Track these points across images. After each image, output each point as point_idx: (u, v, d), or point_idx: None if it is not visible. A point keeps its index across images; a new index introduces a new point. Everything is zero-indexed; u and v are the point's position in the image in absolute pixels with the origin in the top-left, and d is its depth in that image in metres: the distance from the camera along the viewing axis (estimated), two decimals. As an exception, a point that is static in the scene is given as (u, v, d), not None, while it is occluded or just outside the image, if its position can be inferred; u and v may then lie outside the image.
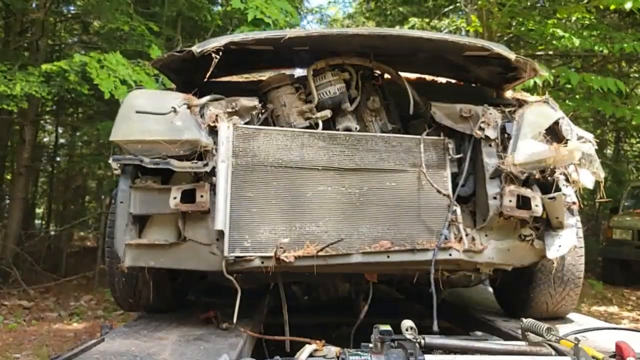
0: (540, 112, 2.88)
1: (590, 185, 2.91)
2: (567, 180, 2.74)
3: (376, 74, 3.16)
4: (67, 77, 5.86)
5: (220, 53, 2.71)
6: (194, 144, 2.58)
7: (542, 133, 2.79)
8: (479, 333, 2.49)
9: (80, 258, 10.43)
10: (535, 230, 2.79)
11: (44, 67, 6.00)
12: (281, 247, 2.58)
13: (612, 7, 7.00)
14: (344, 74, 3.03)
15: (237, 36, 2.86)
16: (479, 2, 8.31)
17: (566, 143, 2.73)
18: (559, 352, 2.18)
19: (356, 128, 2.99)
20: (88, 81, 5.84)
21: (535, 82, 5.69)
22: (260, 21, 6.30)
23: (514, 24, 8.54)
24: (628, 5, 6.34)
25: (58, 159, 13.15)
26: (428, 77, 3.74)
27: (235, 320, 2.66)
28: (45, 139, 13.16)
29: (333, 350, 2.22)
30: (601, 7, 7.45)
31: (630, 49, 6.99)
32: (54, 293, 7.29)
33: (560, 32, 7.14)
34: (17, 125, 9.09)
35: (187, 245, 2.65)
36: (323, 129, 2.90)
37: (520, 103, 3.01)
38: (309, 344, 2.23)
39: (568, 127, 2.86)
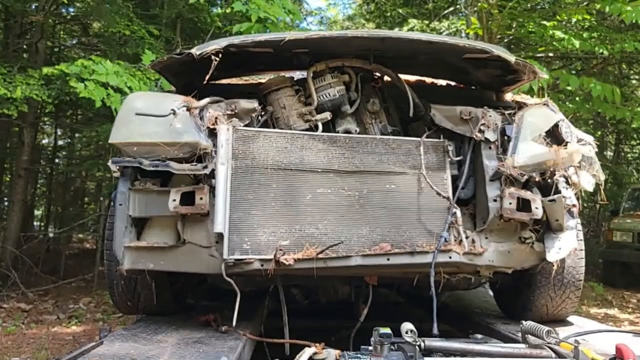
0: (540, 115, 2.87)
1: (590, 188, 2.91)
2: (567, 182, 2.73)
3: (376, 76, 3.16)
4: (67, 80, 5.85)
5: (220, 55, 2.71)
6: (193, 146, 2.58)
7: (542, 135, 2.78)
8: (478, 336, 2.49)
9: (79, 260, 10.42)
10: (536, 232, 2.79)
11: (44, 70, 6.00)
12: (281, 250, 2.58)
13: (613, 13, 7.02)
14: (344, 76, 3.03)
15: (237, 38, 2.86)
16: (479, 4, 8.32)
17: (566, 145, 2.73)
18: (559, 355, 2.18)
19: (356, 130, 2.99)
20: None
21: (533, 84, 5.70)
22: (263, 20, 6.30)
23: (514, 25, 8.55)
24: (626, 19, 6.34)
25: (57, 161, 13.15)
26: (428, 80, 3.73)
27: (234, 323, 2.65)
28: (44, 141, 13.16)
29: (333, 353, 2.22)
30: (602, 10, 7.46)
31: (632, 48, 7.00)
32: (52, 296, 7.28)
33: (560, 34, 7.15)
34: (16, 127, 9.09)
35: (187, 247, 2.65)
36: (323, 131, 2.89)
37: (520, 105, 3.01)
38: (309, 346, 2.23)
39: (568, 130, 2.85)
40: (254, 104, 2.83)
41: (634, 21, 6.33)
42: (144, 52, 6.41)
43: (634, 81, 12.67)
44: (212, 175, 2.61)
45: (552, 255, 2.73)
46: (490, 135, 2.83)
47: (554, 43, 7.38)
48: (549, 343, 2.21)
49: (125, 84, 5.67)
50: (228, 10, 6.54)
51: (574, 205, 2.73)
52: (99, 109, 5.85)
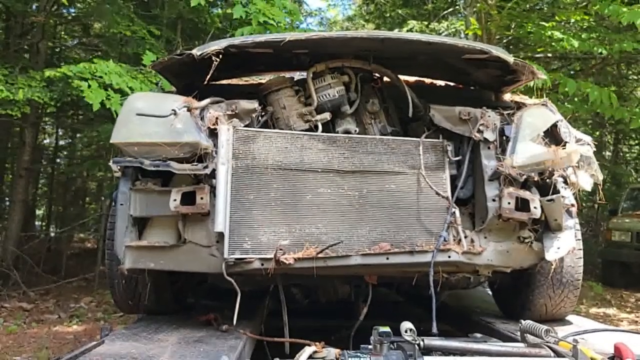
0: (538, 115, 2.89)
1: (589, 188, 2.92)
2: (565, 182, 2.75)
3: (375, 77, 3.17)
4: (70, 82, 5.85)
5: (220, 56, 2.72)
6: (194, 147, 2.59)
7: (540, 135, 2.79)
8: (478, 335, 2.50)
9: (80, 260, 10.42)
10: (534, 232, 2.80)
11: (46, 72, 6.01)
12: (281, 249, 2.59)
13: (611, 17, 7.03)
14: (344, 77, 3.04)
15: (237, 39, 2.87)
16: (478, 5, 8.33)
17: (565, 145, 2.74)
18: (558, 354, 2.19)
19: (355, 130, 3.00)
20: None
21: (534, 84, 5.72)
22: (264, 23, 6.31)
23: (512, 26, 8.56)
24: (624, 20, 6.36)
25: (58, 160, 13.16)
26: (427, 80, 3.74)
27: (235, 322, 2.67)
28: (45, 141, 13.17)
29: (332, 352, 2.23)
30: (600, 12, 7.47)
31: (630, 48, 7.01)
32: (54, 295, 7.28)
33: (558, 35, 7.16)
34: (17, 127, 9.10)
35: (187, 247, 2.66)
36: (322, 131, 2.91)
37: (519, 105, 3.02)
38: (309, 345, 2.24)
39: (566, 130, 2.86)
40: (254, 104, 2.84)
41: (631, 22, 6.33)
42: (144, 53, 6.42)
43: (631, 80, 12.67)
44: (213, 175, 2.63)
45: (551, 255, 2.74)
46: (489, 135, 2.84)
47: (553, 44, 7.39)
48: (547, 342, 2.23)
49: (127, 84, 5.67)
50: (229, 11, 6.55)
51: (572, 205, 2.74)
52: (100, 109, 5.84)
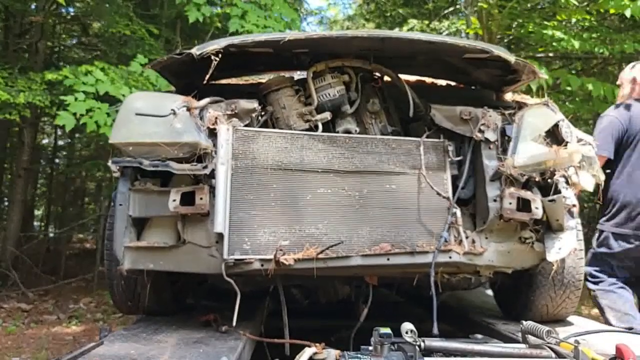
0: (540, 115, 2.87)
1: (590, 188, 2.91)
2: (567, 182, 2.73)
3: (376, 76, 3.16)
4: (71, 86, 5.83)
5: (220, 55, 2.71)
6: (193, 147, 2.58)
7: (542, 135, 2.78)
8: (479, 336, 2.49)
9: (80, 260, 10.42)
10: (536, 232, 2.79)
11: (47, 75, 6.00)
12: (281, 250, 2.58)
13: (612, 11, 7.01)
14: (344, 77, 3.03)
15: (237, 39, 2.86)
16: (479, 4, 8.32)
17: (566, 145, 2.73)
18: (559, 355, 2.18)
19: (356, 130, 2.99)
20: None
21: (532, 84, 5.70)
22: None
23: (514, 26, 8.54)
24: (628, 12, 6.34)
25: (57, 161, 13.14)
26: (428, 80, 3.73)
27: (234, 323, 2.65)
28: (44, 141, 13.14)
29: (333, 353, 2.22)
30: (601, 10, 7.45)
31: (631, 49, 7.00)
32: (53, 296, 7.28)
33: (559, 34, 7.15)
34: (16, 128, 9.09)
35: (187, 247, 2.65)
36: (323, 131, 2.89)
37: (520, 105, 3.01)
38: (309, 346, 2.23)
39: (568, 130, 2.85)
40: (254, 104, 2.83)
41: (636, 17, 6.31)
42: (143, 53, 6.39)
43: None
44: (212, 175, 2.61)
45: (552, 255, 2.73)
46: (490, 135, 2.83)
47: (554, 43, 7.38)
48: (549, 343, 2.21)
49: (118, 91, 5.62)
50: (228, 10, 6.53)
51: (574, 205, 2.73)
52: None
